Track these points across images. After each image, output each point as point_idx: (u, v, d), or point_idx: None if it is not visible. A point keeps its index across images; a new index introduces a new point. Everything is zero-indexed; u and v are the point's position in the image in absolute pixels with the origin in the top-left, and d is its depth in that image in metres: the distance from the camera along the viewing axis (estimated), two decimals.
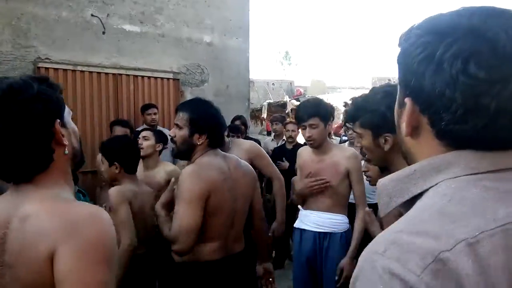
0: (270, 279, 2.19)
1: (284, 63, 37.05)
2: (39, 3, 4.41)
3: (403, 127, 0.65)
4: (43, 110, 0.93)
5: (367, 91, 1.66)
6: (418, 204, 0.59)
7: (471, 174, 0.57)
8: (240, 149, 2.66)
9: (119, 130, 3.89)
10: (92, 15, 4.76)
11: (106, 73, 4.89)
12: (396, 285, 0.50)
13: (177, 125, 1.90)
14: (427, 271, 0.49)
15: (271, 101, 13.28)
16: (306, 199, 2.53)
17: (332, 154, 2.45)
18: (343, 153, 2.45)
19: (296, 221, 2.58)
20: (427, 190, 0.59)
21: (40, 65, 4.41)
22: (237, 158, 2.04)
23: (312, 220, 2.46)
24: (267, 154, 2.92)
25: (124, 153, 2.30)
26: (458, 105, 0.56)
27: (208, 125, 1.87)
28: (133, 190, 2.26)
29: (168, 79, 5.46)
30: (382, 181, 0.66)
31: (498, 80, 0.54)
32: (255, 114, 12.70)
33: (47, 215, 0.90)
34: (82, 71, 4.69)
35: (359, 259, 0.57)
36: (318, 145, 2.43)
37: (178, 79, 5.55)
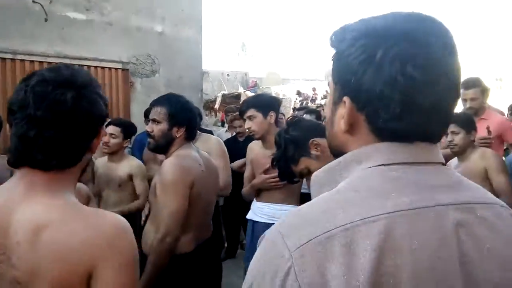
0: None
1: (241, 54, 36.96)
2: None
3: (341, 123, 0.67)
4: (104, 109, 0.97)
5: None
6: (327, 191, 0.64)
7: (384, 165, 0.61)
8: (206, 145, 2.64)
9: None
10: (33, 1, 4.51)
11: (49, 62, 4.66)
12: (274, 255, 0.56)
13: (154, 120, 1.94)
14: (299, 249, 0.54)
15: (226, 92, 13.23)
16: (259, 192, 2.56)
17: None
18: None
19: (249, 213, 2.60)
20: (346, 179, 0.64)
21: None
22: (206, 155, 2.11)
23: (266, 212, 2.49)
24: (227, 157, 2.84)
25: None
26: (395, 103, 0.60)
27: (187, 118, 1.94)
28: None
29: (116, 69, 5.30)
30: (316, 173, 0.71)
31: (431, 80, 0.59)
32: (209, 105, 12.62)
33: (75, 227, 0.86)
34: (22, 60, 4.44)
35: None
36: (261, 136, 2.46)
37: (128, 70, 5.40)
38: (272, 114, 2.47)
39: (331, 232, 0.54)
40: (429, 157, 0.63)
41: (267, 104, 2.51)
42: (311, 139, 1.52)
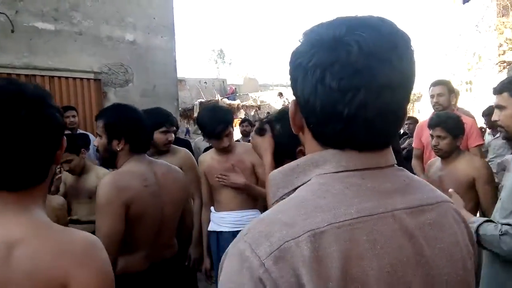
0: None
1: (219, 61, 36.98)
2: None
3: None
4: (61, 119, 0.94)
5: None
6: (290, 196, 0.64)
7: (341, 172, 0.62)
8: (174, 157, 2.62)
9: None
10: None
11: (18, 74, 4.55)
12: (245, 266, 0.55)
13: (97, 134, 1.87)
14: (271, 257, 0.54)
15: (203, 100, 13.18)
16: (217, 202, 2.54)
17: (236, 152, 2.49)
18: (245, 149, 2.50)
19: (210, 225, 2.56)
20: (305, 183, 0.64)
21: None
22: (167, 164, 1.99)
23: (229, 220, 2.47)
24: (197, 169, 2.80)
25: None
26: (318, 110, 0.61)
27: (125, 130, 1.81)
28: None
29: (88, 79, 5.21)
30: (273, 173, 0.71)
31: (349, 90, 0.58)
32: (187, 114, 12.53)
33: (47, 244, 0.85)
34: None
35: None
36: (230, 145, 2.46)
37: (100, 80, 5.31)
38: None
39: (301, 237, 0.54)
40: (380, 161, 0.64)
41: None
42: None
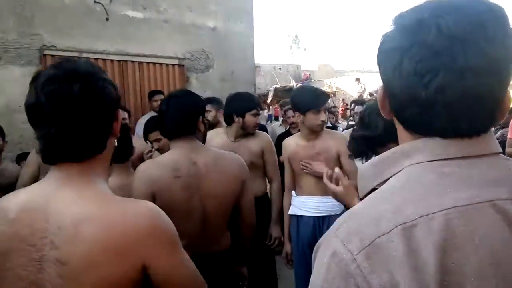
0: (241, 283, 2.07)
1: (293, 47, 36.68)
2: None
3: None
4: (114, 92, 0.98)
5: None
6: (379, 189, 0.63)
7: (434, 160, 0.60)
8: (258, 140, 2.70)
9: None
10: (94, 1, 4.76)
11: (112, 60, 4.91)
12: (335, 261, 0.56)
13: None
14: (362, 252, 0.54)
15: (278, 86, 13.22)
16: (299, 186, 2.55)
17: (322, 139, 2.47)
18: (332, 136, 2.47)
19: (291, 208, 2.58)
20: (395, 174, 0.63)
21: (46, 52, 4.44)
22: (216, 154, 1.84)
23: (310, 205, 2.46)
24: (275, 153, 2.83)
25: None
26: (398, 94, 0.61)
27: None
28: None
29: (173, 65, 5.47)
30: (363, 165, 0.70)
31: (427, 73, 0.57)
32: (262, 99, 12.67)
33: (114, 217, 0.91)
34: (87, 58, 4.70)
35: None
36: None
37: (183, 65, 5.55)
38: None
39: (392, 232, 0.53)
40: (477, 149, 0.60)
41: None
42: None
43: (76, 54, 4.61)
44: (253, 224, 1.97)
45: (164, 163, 1.74)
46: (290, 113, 4.72)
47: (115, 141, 1.04)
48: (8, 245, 0.93)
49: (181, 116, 1.76)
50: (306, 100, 2.41)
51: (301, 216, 2.50)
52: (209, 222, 1.80)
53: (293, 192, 2.59)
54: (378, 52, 0.64)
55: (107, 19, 4.84)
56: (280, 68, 18.06)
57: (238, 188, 1.84)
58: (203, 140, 1.94)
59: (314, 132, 2.44)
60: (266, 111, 12.89)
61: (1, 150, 2.95)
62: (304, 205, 2.49)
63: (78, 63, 0.96)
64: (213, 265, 1.80)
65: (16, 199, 0.97)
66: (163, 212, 1.00)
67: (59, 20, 4.53)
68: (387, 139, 1.43)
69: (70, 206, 0.91)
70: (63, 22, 4.56)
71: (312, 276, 0.60)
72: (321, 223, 2.45)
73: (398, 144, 0.67)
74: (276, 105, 12.97)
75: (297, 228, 2.53)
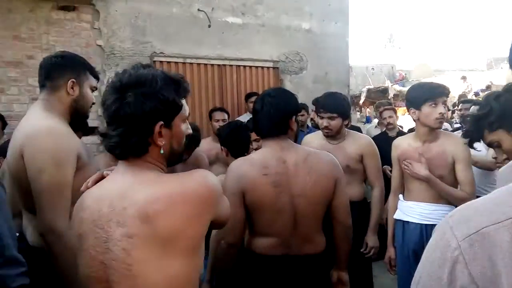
0: None
1: (388, 46, 35.20)
2: (154, 1, 4.85)
3: None
4: (154, 107, 1.06)
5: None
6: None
7: None
8: (353, 143, 2.65)
9: (218, 115, 4.09)
10: (198, 9, 5.09)
11: (212, 65, 5.21)
12: (441, 245, 0.58)
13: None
14: (468, 239, 0.55)
15: (371, 86, 12.80)
16: (407, 190, 2.43)
17: (438, 141, 2.30)
18: (450, 140, 2.29)
19: (397, 213, 2.48)
20: None
21: (155, 59, 4.86)
22: (307, 152, 1.83)
23: (418, 211, 2.34)
24: (378, 156, 2.72)
25: (230, 138, 2.40)
26: None
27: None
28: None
29: (268, 68, 5.62)
30: (502, 169, 0.71)
31: None
32: (354, 101, 12.37)
33: (178, 194, 1.04)
34: (190, 63, 5.06)
35: None
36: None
37: (278, 68, 5.67)
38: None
39: (502, 223, 0.53)
40: None
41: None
42: None
43: (180, 60, 4.98)
44: (347, 225, 1.91)
45: (254, 161, 1.77)
46: (386, 113, 4.57)
47: (164, 147, 1.11)
48: (85, 228, 1.09)
49: (274, 115, 1.77)
50: (420, 93, 2.27)
51: (407, 222, 2.39)
52: (301, 221, 1.78)
53: (400, 196, 2.49)
54: None
55: (209, 26, 5.15)
56: (373, 68, 17.45)
57: (330, 187, 1.80)
58: (294, 139, 1.94)
59: (431, 131, 2.29)
60: (358, 113, 12.56)
61: None
62: (411, 211, 2.38)
63: (137, 74, 1.08)
64: (306, 267, 1.80)
65: (93, 189, 1.15)
66: (211, 175, 1.13)
67: (167, 28, 4.93)
68: (497, 125, 1.42)
69: (134, 189, 1.05)
70: (170, 30, 4.95)
71: (423, 254, 0.63)
72: (429, 232, 2.29)
73: (508, 133, 0.65)
74: (368, 106, 12.56)
75: (402, 234, 2.42)
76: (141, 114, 1.04)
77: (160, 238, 1.00)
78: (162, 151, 1.10)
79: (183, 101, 1.16)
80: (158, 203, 1.01)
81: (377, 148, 2.71)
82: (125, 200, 1.04)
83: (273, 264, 1.79)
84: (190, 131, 1.19)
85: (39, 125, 1.63)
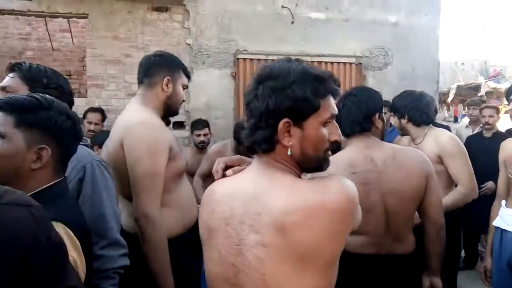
0: None
1: (480, 39, 32.42)
2: (239, 0, 4.97)
3: None
4: (280, 102, 0.99)
5: None
6: None
7: None
8: (432, 141, 2.48)
9: None
10: (282, 6, 5.11)
11: None
12: None
13: None
14: None
15: (461, 83, 11.85)
16: (511, 197, 2.21)
17: None
18: None
19: (496, 219, 2.28)
20: None
21: (239, 56, 4.98)
22: (395, 149, 1.79)
23: None
24: (465, 155, 2.47)
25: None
26: None
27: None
28: None
29: (350, 63, 5.47)
30: None
31: None
32: (441, 98, 11.56)
33: (316, 206, 0.97)
34: (272, 60, 5.10)
35: None
36: None
37: (361, 63, 5.50)
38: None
39: None
40: None
41: None
42: None
43: (263, 57, 5.05)
44: (440, 224, 1.82)
45: (340, 160, 1.75)
46: (487, 111, 4.18)
47: (293, 149, 1.03)
48: (215, 222, 1.06)
49: (356, 113, 1.78)
50: None
51: (506, 230, 2.20)
52: (392, 220, 1.76)
53: (503, 202, 2.30)
54: None
55: (292, 22, 5.15)
56: (463, 63, 16.18)
57: (420, 184, 1.74)
58: (381, 137, 1.90)
59: None
60: (446, 111, 11.73)
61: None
62: (509, 219, 2.18)
63: (275, 67, 1.04)
64: (396, 268, 1.77)
65: (225, 183, 1.11)
66: (349, 182, 1.03)
67: (251, 25, 5.03)
68: None
69: (268, 193, 0.99)
70: (254, 28, 5.04)
71: None
72: None
73: None
74: (457, 104, 11.67)
75: (500, 243, 2.23)
76: (265, 109, 0.99)
77: (295, 252, 0.94)
78: (289, 152, 1.01)
79: (326, 101, 1.04)
80: (296, 214, 0.93)
81: (461, 146, 2.48)
82: (259, 205, 0.99)
83: (364, 263, 1.78)
84: (335, 137, 1.09)
85: (137, 118, 1.77)
